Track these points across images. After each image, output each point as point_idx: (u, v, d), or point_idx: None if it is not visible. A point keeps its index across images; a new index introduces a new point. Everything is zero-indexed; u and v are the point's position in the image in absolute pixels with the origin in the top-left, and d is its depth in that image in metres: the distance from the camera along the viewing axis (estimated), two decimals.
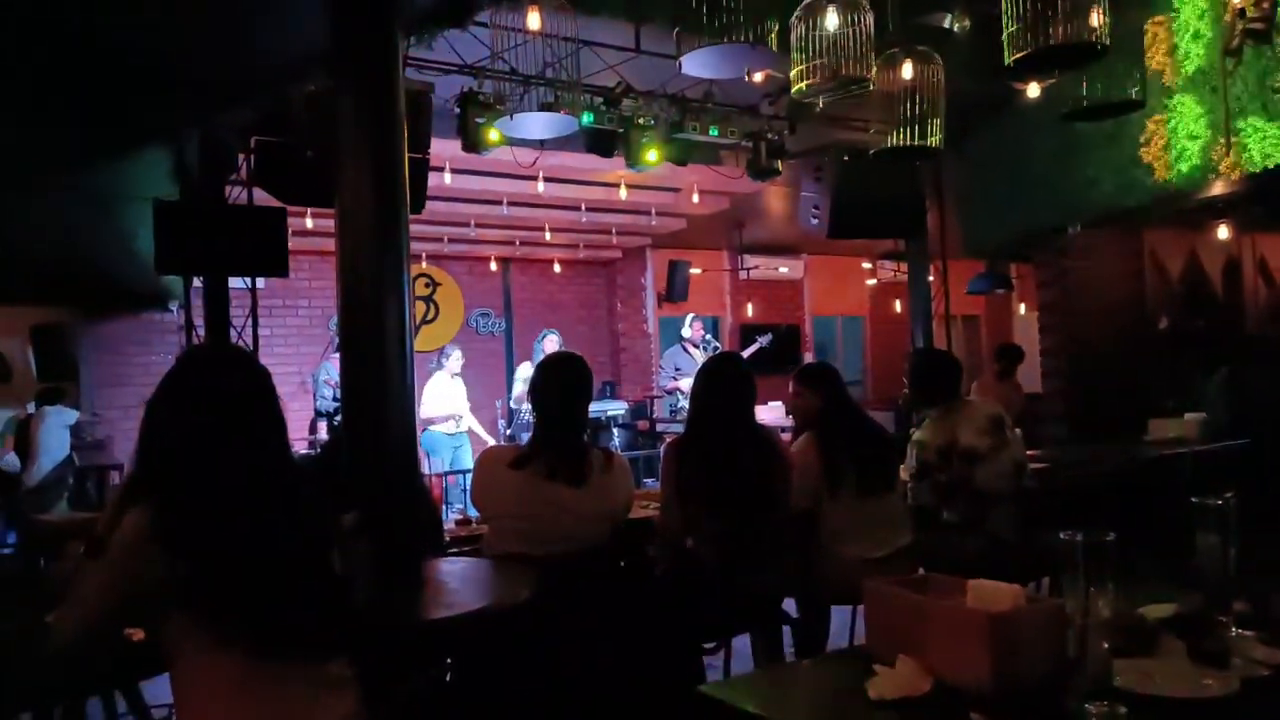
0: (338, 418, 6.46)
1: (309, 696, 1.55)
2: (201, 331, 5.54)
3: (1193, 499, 1.62)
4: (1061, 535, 1.43)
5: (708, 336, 8.44)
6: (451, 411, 7.45)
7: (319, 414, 6.81)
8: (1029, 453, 4.17)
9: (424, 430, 7.26)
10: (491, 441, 7.71)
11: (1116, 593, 1.44)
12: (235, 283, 5.59)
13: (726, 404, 3.06)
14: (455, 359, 7.61)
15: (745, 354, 8.62)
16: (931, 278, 7.43)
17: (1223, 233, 7.23)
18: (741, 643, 3.18)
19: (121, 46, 4.30)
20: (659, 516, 3.08)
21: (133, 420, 7.61)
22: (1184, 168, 5.50)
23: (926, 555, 3.19)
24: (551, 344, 7.67)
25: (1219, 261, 7.66)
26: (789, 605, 3.28)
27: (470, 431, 7.67)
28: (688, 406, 3.21)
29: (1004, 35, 3.45)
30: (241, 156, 5.38)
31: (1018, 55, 3.39)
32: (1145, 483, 4.29)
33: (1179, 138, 5.51)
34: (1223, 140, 5.23)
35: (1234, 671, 1.49)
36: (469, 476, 4.91)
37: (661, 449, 3.12)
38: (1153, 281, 7.32)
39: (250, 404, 1.66)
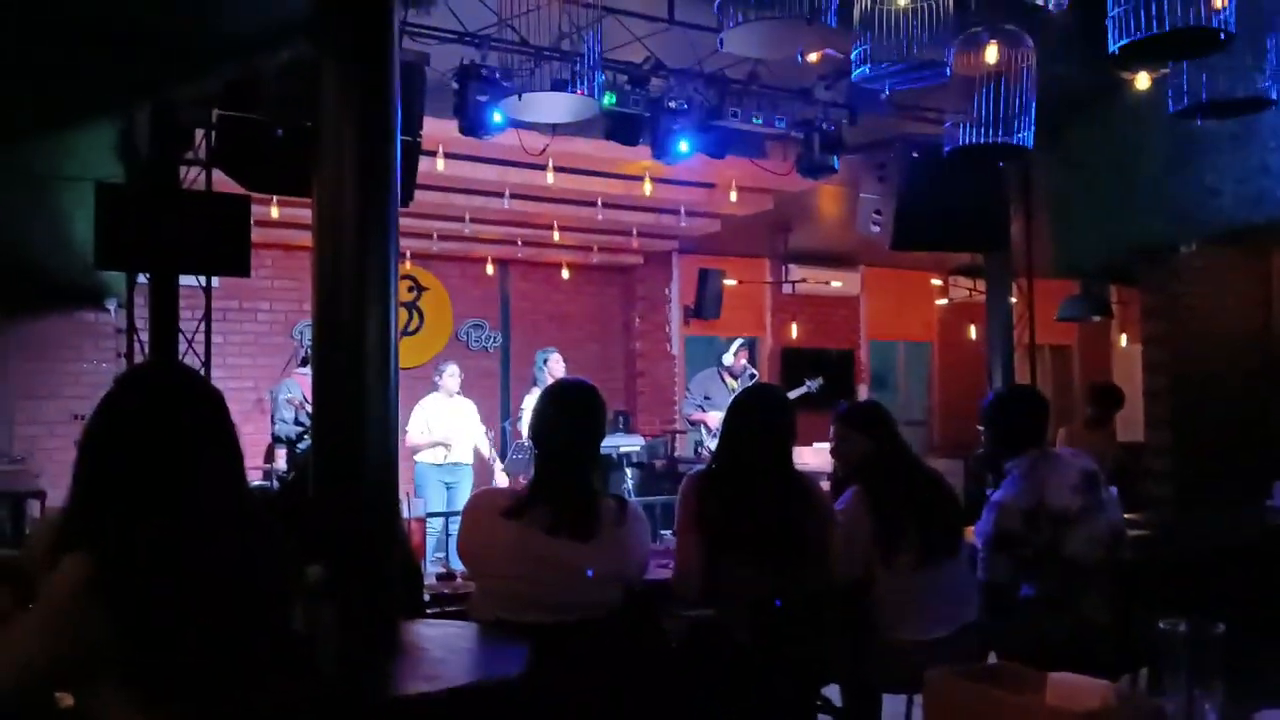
0: (300, 445, 6.55)
1: None
2: (144, 336, 5.61)
3: None
4: (1161, 624, 1.44)
5: (748, 367, 8.47)
6: (438, 438, 7.53)
7: (278, 439, 6.87)
8: (1127, 517, 4.16)
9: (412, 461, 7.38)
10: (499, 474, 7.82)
11: (1226, 693, 1.45)
12: (185, 280, 5.65)
13: (762, 437, 3.11)
14: (450, 376, 7.72)
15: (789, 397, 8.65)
16: (1015, 299, 7.43)
17: None
18: None
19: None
20: (675, 568, 3.09)
21: (59, 439, 7.76)
22: None
23: (1001, 639, 3.18)
24: (557, 365, 7.74)
25: None
26: (832, 692, 3.29)
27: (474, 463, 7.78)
28: (716, 442, 3.26)
29: (1109, 16, 3.50)
30: (200, 134, 5.45)
31: (1125, 41, 3.43)
32: (1267, 558, 4.27)
33: None
34: None
35: None
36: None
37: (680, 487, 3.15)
38: None
39: (204, 438, 1.69)
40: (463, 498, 7.44)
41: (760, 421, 3.14)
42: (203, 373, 5.59)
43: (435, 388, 7.76)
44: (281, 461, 6.86)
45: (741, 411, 3.19)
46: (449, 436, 7.60)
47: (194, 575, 1.58)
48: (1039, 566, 3.37)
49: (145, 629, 1.52)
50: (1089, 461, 3.61)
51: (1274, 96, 4.25)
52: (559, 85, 4.79)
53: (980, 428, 3.82)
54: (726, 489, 3.03)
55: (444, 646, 2.53)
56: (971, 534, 4.45)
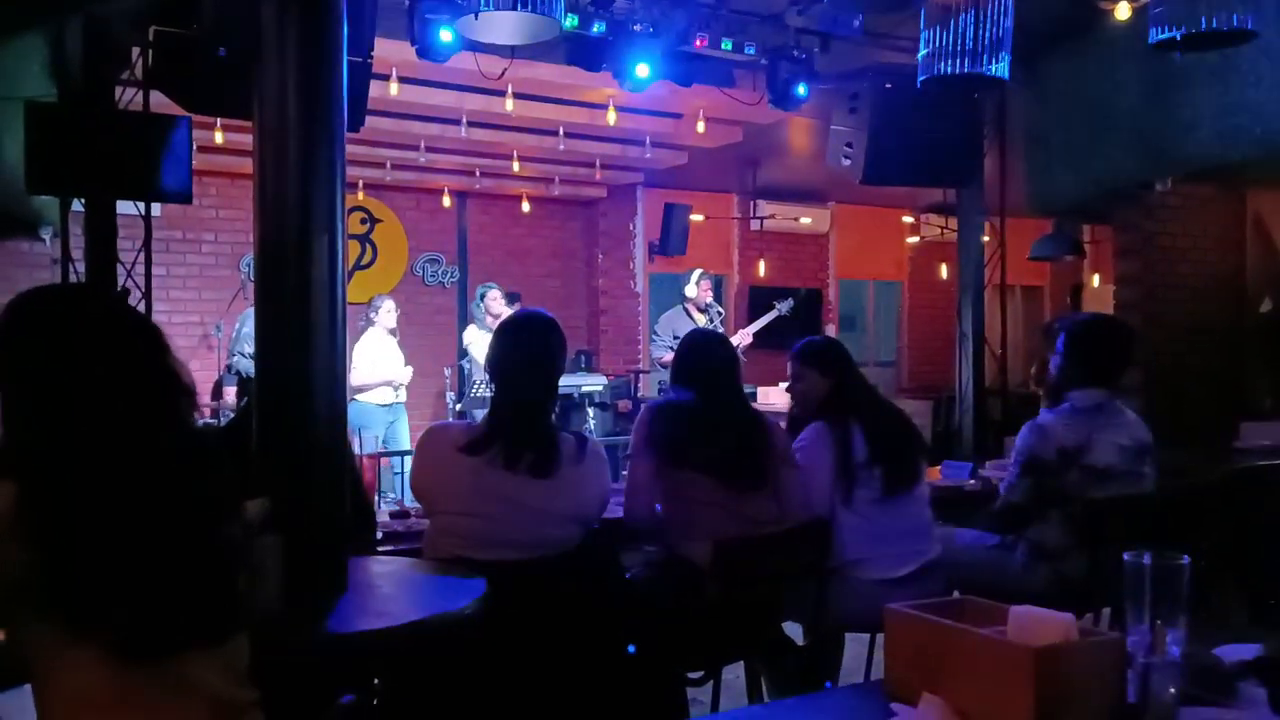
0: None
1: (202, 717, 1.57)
2: (81, 266, 5.51)
3: None
4: (1126, 556, 1.46)
5: (714, 304, 8.43)
6: (387, 377, 7.51)
7: (233, 373, 6.84)
8: None
9: (352, 400, 7.30)
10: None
11: (1190, 628, 1.48)
12: (125, 208, 5.55)
13: (709, 372, 3.24)
14: (386, 311, 7.65)
15: (760, 323, 8.65)
16: (986, 238, 7.45)
17: None
18: (732, 673, 3.22)
19: None
20: (625, 489, 3.16)
21: None
22: None
23: (970, 579, 3.21)
24: (496, 301, 7.70)
25: None
26: (795, 632, 3.34)
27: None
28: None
29: None
30: (136, 51, 5.31)
31: None
32: (1234, 498, 4.35)
33: None
34: None
35: None
36: (407, 459, 4.95)
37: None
38: (1256, 254, 7.37)
39: (129, 353, 1.66)
40: (402, 437, 7.44)
41: (707, 357, 3.30)
42: (143, 306, 5.51)
43: (369, 324, 7.64)
44: (230, 397, 6.82)
45: (689, 349, 3.35)
46: (400, 375, 7.58)
47: (122, 506, 1.55)
48: (1050, 512, 3.38)
49: (70, 562, 1.49)
50: (1146, 433, 3.56)
51: (1254, 30, 4.24)
52: (518, 4, 4.69)
53: (1051, 353, 3.62)
54: (678, 413, 3.16)
55: (395, 583, 2.53)
56: (936, 473, 4.50)
